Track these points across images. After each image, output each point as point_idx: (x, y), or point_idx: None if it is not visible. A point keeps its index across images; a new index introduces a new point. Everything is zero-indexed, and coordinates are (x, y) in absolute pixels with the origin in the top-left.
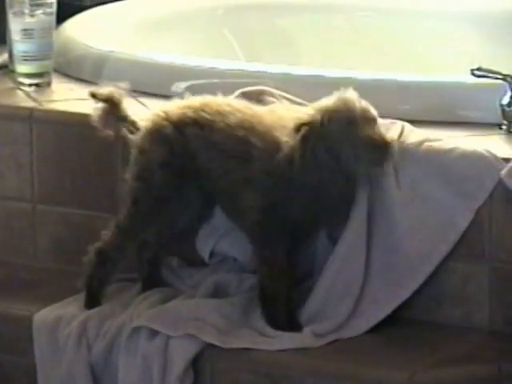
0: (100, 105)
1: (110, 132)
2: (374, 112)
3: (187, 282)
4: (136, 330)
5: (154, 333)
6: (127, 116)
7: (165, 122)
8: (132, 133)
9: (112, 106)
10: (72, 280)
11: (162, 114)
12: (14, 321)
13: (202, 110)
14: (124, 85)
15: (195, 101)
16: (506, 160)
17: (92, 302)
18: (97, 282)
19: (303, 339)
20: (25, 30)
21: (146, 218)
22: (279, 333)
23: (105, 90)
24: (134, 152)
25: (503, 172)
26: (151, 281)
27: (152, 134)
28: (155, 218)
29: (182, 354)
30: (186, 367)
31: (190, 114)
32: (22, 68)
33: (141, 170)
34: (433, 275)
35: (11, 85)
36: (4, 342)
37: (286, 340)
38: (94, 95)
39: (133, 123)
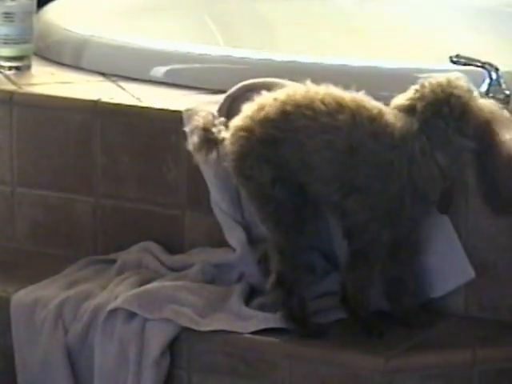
0: (194, 131)
1: (204, 156)
2: None
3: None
4: (113, 312)
5: (130, 315)
6: (218, 139)
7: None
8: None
9: (207, 131)
10: (50, 262)
11: (246, 134)
12: None
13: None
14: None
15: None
16: None
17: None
18: (300, 312)
19: (277, 320)
20: (5, 13)
21: (297, 229)
22: (254, 314)
23: (199, 118)
24: (239, 180)
25: None
26: None
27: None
28: (303, 225)
29: (158, 337)
30: (163, 350)
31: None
32: (2, 51)
33: (258, 194)
34: None
35: None
36: None
37: (260, 321)
38: (193, 127)
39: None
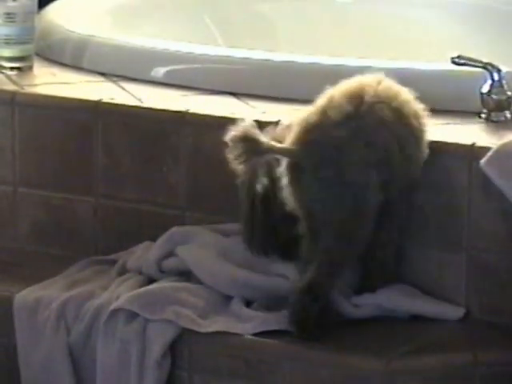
0: (236, 143)
1: (247, 167)
2: None
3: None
4: (114, 312)
5: (132, 316)
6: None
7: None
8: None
9: (249, 143)
10: (51, 262)
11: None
12: None
13: None
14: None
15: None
16: (486, 148)
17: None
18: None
19: (277, 322)
20: (7, 13)
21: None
22: (254, 315)
23: (238, 130)
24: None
25: (483, 160)
26: None
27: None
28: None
29: (159, 337)
30: (164, 351)
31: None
32: (3, 52)
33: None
34: (409, 262)
35: None
36: None
37: (260, 323)
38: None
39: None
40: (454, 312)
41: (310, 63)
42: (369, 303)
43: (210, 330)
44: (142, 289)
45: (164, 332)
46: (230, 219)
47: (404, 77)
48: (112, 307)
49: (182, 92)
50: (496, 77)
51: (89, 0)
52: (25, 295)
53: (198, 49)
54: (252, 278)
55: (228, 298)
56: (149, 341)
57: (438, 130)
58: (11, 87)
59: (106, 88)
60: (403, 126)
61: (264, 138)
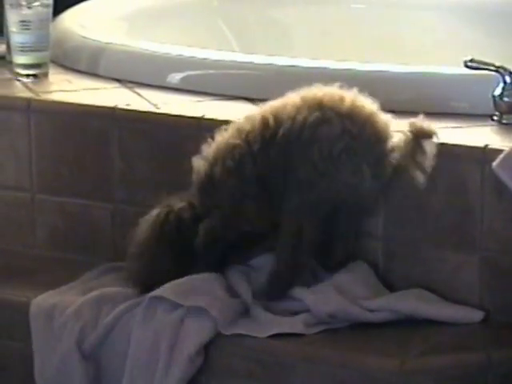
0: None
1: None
2: None
3: None
4: (152, 302)
5: (170, 308)
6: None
7: None
8: None
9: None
10: (69, 268)
11: None
12: (11, 307)
13: None
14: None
15: None
16: (498, 151)
17: None
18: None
19: (292, 325)
20: (22, 21)
21: None
22: (270, 318)
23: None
24: None
25: (495, 163)
26: None
27: None
28: None
29: (196, 334)
30: (199, 348)
31: None
32: (19, 59)
33: None
34: (423, 264)
35: (9, 76)
36: (2, 328)
37: (276, 325)
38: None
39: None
40: (473, 316)
41: (324, 68)
42: (385, 308)
43: (230, 332)
44: (177, 280)
45: (201, 329)
46: None
47: (417, 81)
48: (150, 295)
49: (198, 98)
50: (508, 80)
51: (104, 7)
52: (41, 301)
53: (214, 54)
54: None
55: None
56: (184, 335)
57: (450, 132)
58: (27, 94)
59: (122, 94)
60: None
61: None
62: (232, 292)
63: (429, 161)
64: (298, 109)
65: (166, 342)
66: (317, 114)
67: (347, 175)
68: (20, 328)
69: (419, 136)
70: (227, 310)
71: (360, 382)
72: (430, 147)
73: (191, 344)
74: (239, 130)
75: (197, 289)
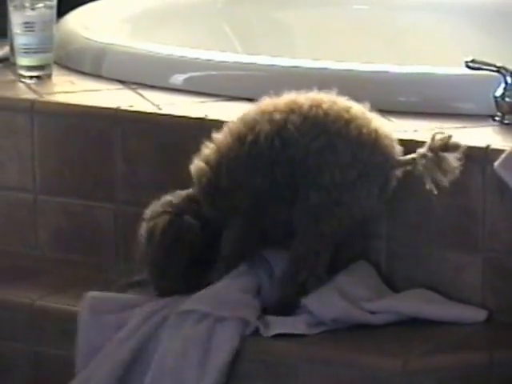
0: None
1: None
2: None
3: None
4: (182, 314)
5: (200, 318)
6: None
7: None
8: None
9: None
10: (72, 269)
11: None
12: (14, 308)
13: None
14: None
15: None
16: (500, 151)
17: None
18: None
19: (295, 326)
20: (26, 23)
21: None
22: (273, 318)
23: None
24: None
25: (497, 163)
26: None
27: None
28: None
29: (227, 342)
30: (232, 355)
31: None
32: (22, 61)
33: None
34: (426, 265)
35: (12, 77)
36: (5, 329)
37: (277, 326)
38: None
39: None
40: (476, 315)
41: (327, 69)
42: (387, 310)
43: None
44: (209, 289)
45: (232, 336)
46: None
47: (419, 81)
48: (181, 309)
49: (201, 99)
50: (509, 80)
51: (108, 8)
52: (92, 300)
53: (217, 56)
54: None
55: None
56: (215, 344)
57: (452, 133)
58: (30, 96)
59: (125, 95)
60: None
61: None
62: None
63: (451, 175)
64: (300, 130)
65: (197, 352)
66: (323, 138)
67: (362, 200)
68: (23, 329)
69: (441, 149)
70: (256, 313)
71: (362, 382)
72: (451, 161)
73: (224, 353)
74: (239, 137)
75: (226, 297)
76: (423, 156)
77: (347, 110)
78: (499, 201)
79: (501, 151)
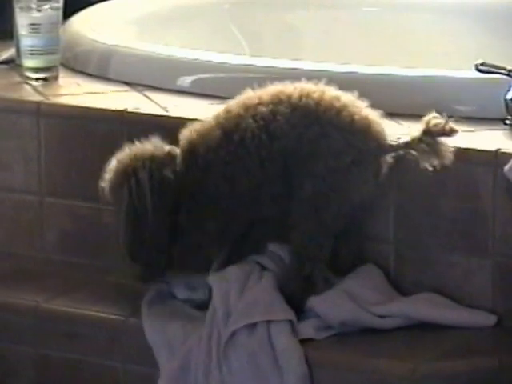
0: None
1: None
2: None
3: None
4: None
5: (251, 327)
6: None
7: None
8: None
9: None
10: (78, 271)
11: None
12: (20, 311)
13: None
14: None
15: None
16: (510, 155)
17: None
18: None
19: (302, 330)
20: (32, 24)
21: None
22: None
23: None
24: None
25: (507, 167)
26: None
27: None
28: None
29: (286, 337)
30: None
31: None
32: (28, 62)
33: None
34: (435, 269)
35: (18, 79)
36: (11, 332)
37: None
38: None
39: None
40: (486, 320)
41: (334, 72)
42: (396, 314)
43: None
44: (243, 298)
45: (287, 332)
46: None
47: (429, 84)
48: (232, 328)
49: (208, 101)
50: None
51: (114, 10)
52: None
53: (225, 58)
54: None
55: None
56: (284, 354)
57: (462, 136)
58: (37, 98)
59: (132, 97)
60: None
61: None
62: None
63: (446, 160)
64: (290, 121)
65: (265, 359)
66: (315, 127)
67: (358, 185)
68: (29, 332)
69: (438, 134)
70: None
71: None
72: (448, 146)
73: (297, 360)
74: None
75: (263, 303)
76: (419, 140)
77: (338, 98)
78: (509, 204)
79: (511, 155)
